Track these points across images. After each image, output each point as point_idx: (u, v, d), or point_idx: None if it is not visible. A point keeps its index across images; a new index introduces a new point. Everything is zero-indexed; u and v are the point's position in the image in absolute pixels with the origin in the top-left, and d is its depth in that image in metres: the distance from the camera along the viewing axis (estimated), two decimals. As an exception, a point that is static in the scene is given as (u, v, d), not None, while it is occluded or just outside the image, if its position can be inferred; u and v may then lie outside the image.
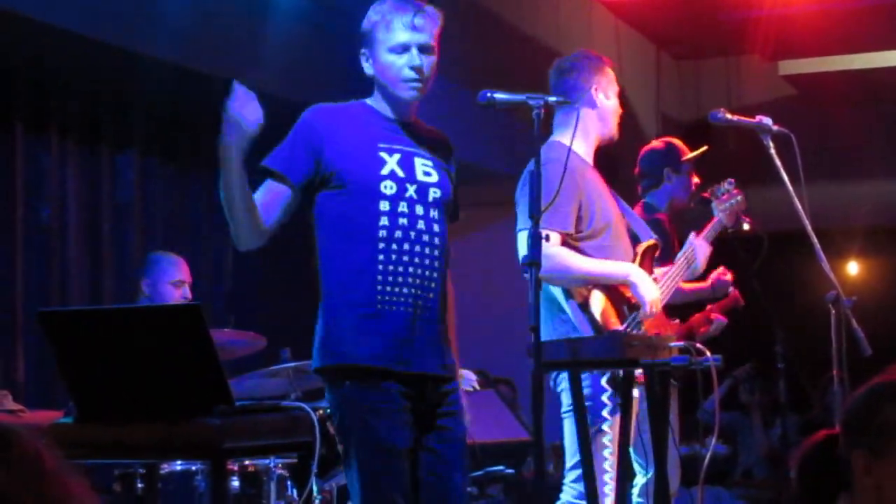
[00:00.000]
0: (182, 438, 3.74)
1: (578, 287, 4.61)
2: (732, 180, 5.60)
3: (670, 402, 4.73)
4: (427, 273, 3.96)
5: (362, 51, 4.09)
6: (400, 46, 4.00)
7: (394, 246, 3.93)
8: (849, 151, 12.06)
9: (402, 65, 4.00)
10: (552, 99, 4.05)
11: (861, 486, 2.58)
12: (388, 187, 3.96)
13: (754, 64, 11.86)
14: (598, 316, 4.52)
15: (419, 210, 3.99)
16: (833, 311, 4.77)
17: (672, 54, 12.38)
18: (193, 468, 5.28)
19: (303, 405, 3.92)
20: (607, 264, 4.65)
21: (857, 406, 2.64)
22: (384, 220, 3.93)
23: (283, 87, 7.47)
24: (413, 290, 3.93)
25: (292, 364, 5.69)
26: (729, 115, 4.96)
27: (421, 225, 3.98)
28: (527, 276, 3.80)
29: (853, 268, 13.12)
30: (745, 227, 6.31)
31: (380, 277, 3.91)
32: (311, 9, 7.61)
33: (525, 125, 4.02)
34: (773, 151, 4.85)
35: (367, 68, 4.08)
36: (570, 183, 4.50)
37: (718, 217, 5.63)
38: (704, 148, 6.16)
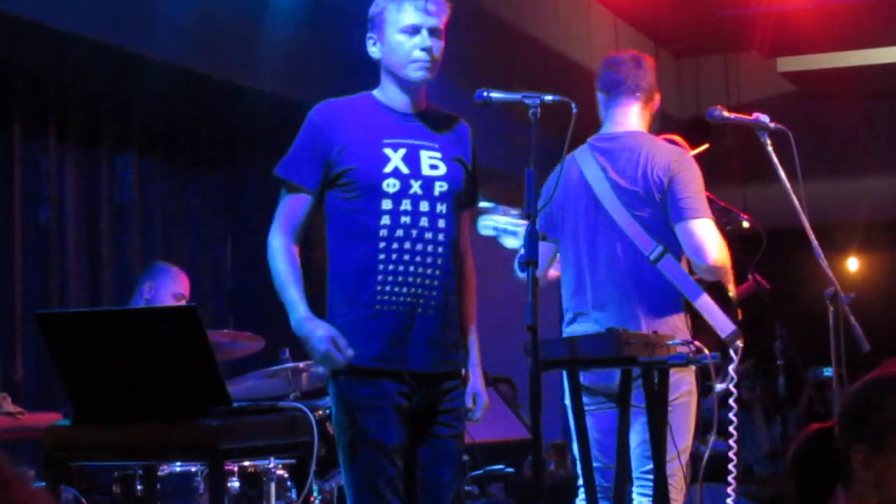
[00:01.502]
0: (180, 440, 3.75)
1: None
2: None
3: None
4: (429, 271, 3.97)
5: (369, 35, 4.09)
6: (411, 28, 4.01)
7: (394, 245, 3.94)
8: (848, 147, 12.07)
9: (411, 46, 4.01)
10: (548, 97, 4.05)
11: (860, 481, 2.58)
12: (390, 185, 3.96)
13: (753, 61, 11.86)
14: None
15: (424, 206, 3.99)
16: (831, 308, 4.76)
17: (671, 52, 12.37)
18: (193, 469, 5.28)
19: (301, 406, 3.93)
20: None
21: (855, 401, 2.63)
22: (385, 219, 3.95)
23: (282, 87, 7.48)
24: (413, 290, 3.95)
25: (291, 364, 5.69)
26: (726, 113, 4.95)
27: (424, 222, 3.98)
28: (522, 275, 3.81)
29: (853, 264, 13.13)
30: (745, 224, 6.30)
31: (380, 278, 3.93)
32: (310, 9, 7.61)
33: (526, 124, 4.02)
34: (770, 148, 4.84)
35: (375, 52, 4.08)
36: None
37: None
38: (706, 146, 6.15)
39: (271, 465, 5.35)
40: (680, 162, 4.83)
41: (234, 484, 5.35)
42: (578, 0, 10.21)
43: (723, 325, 4.62)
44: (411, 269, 3.95)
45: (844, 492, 2.62)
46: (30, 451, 6.21)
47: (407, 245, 3.96)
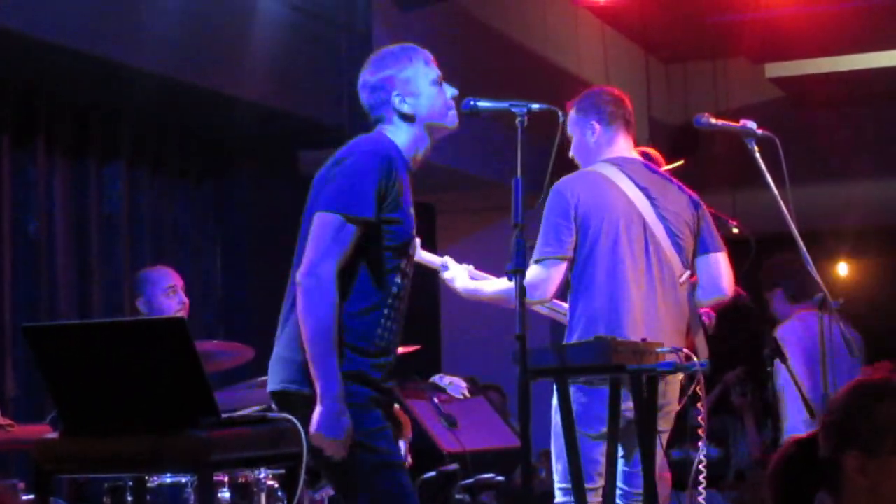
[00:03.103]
0: (169, 451, 3.74)
1: None
2: None
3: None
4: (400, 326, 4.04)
5: (395, 93, 4.05)
6: (438, 79, 4.09)
7: (396, 304, 3.98)
8: (836, 152, 12.09)
9: (445, 96, 4.08)
10: (535, 106, 4.07)
11: (853, 487, 2.58)
12: (412, 247, 4.05)
13: (741, 67, 11.89)
14: None
15: (410, 269, 4.07)
16: (819, 314, 4.78)
17: (659, 58, 12.40)
18: (183, 480, 5.27)
19: (290, 416, 3.91)
20: None
21: (844, 407, 2.64)
22: (398, 279, 3.99)
23: (270, 96, 7.48)
24: (397, 336, 4.01)
25: (281, 374, 5.68)
26: (713, 120, 4.96)
27: (408, 283, 4.05)
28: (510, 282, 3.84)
29: (843, 269, 13.15)
30: (734, 230, 6.32)
31: (379, 331, 3.94)
32: (297, 19, 7.62)
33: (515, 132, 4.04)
34: (757, 155, 4.85)
35: (407, 107, 4.05)
36: None
37: None
38: (681, 161, 6.17)
39: (261, 476, 5.35)
40: (698, 198, 5.08)
41: (225, 494, 5.34)
42: (566, 7, 10.23)
43: (703, 353, 4.77)
44: (397, 327, 4.00)
45: (834, 500, 2.62)
46: (20, 463, 6.20)
47: (400, 305, 4.00)
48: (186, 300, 6.30)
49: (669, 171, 6.13)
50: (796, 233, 4.78)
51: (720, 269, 4.98)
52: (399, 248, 3.97)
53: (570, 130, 5.06)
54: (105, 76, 6.73)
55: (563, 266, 4.78)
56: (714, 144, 10.20)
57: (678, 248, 4.87)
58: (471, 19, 9.38)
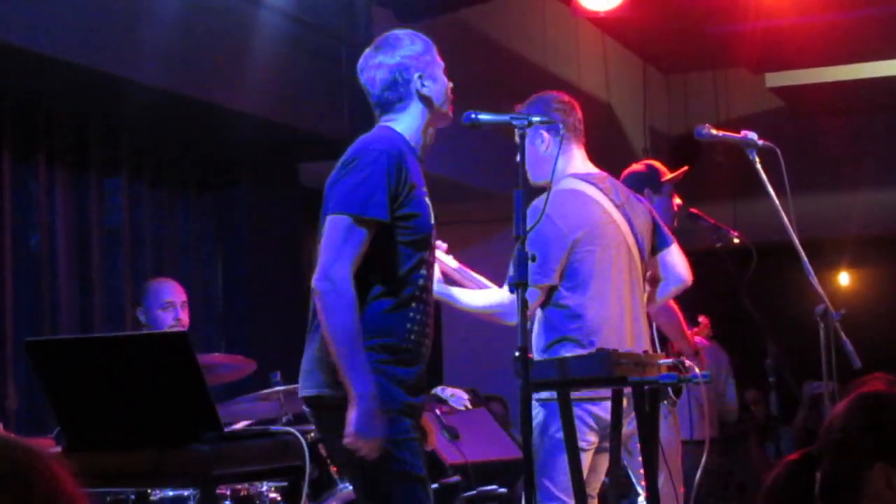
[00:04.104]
0: (171, 465, 3.74)
1: None
2: None
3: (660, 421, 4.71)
4: (431, 321, 4.03)
5: (417, 75, 4.07)
6: (444, 69, 4.14)
7: (424, 296, 3.97)
8: (837, 162, 12.10)
9: (449, 87, 4.14)
10: (536, 119, 4.07)
11: (881, 500, 2.52)
12: (433, 237, 4.05)
13: (741, 77, 11.90)
14: None
15: (432, 257, 4.08)
16: (822, 325, 4.77)
17: (659, 68, 12.41)
18: (185, 493, 5.26)
19: (292, 430, 3.92)
20: None
21: (861, 421, 2.58)
22: (424, 270, 3.97)
23: (270, 109, 7.48)
24: (428, 333, 4.00)
25: (283, 387, 5.68)
26: (714, 131, 4.97)
27: (432, 273, 4.07)
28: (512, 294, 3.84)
29: (844, 278, 13.15)
30: (735, 240, 6.32)
31: (408, 325, 3.92)
32: (298, 32, 7.62)
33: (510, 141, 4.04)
34: (758, 166, 4.86)
35: (427, 90, 4.07)
36: None
37: None
38: (685, 168, 6.18)
39: (264, 489, 5.34)
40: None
41: (227, 507, 5.34)
42: (567, 18, 10.23)
43: None
44: (428, 320, 3.99)
45: None
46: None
47: (428, 298, 4.00)
48: (185, 318, 6.27)
49: (675, 178, 6.15)
50: (797, 242, 4.78)
51: (677, 259, 5.03)
52: (421, 242, 3.95)
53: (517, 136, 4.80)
54: (106, 90, 6.73)
55: (544, 294, 4.74)
56: (715, 154, 10.20)
57: (644, 261, 4.94)
58: (472, 31, 9.39)
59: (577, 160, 4.93)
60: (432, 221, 4.02)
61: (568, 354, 4.51)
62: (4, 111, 6.70)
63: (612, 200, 4.86)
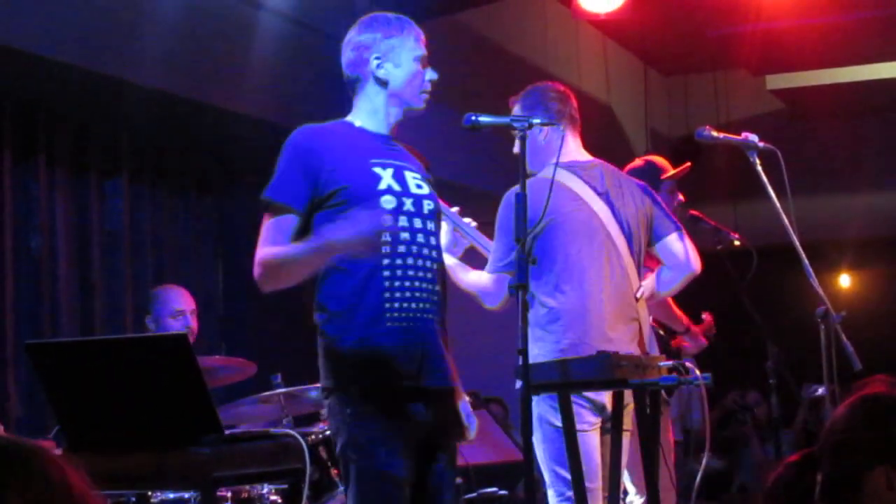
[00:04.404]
0: (172, 468, 3.74)
1: None
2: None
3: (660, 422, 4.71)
4: (429, 286, 3.94)
5: (374, 55, 4.07)
6: (423, 59, 4.10)
7: (398, 261, 3.90)
8: (837, 164, 12.11)
9: (423, 77, 4.09)
10: (536, 120, 4.06)
11: (882, 502, 2.53)
12: (387, 202, 3.94)
13: (742, 79, 11.90)
14: None
15: (417, 223, 3.97)
16: (823, 327, 4.77)
17: (660, 70, 12.41)
18: (186, 496, 5.26)
19: (293, 432, 3.92)
20: None
21: (857, 424, 2.60)
22: (386, 236, 3.89)
23: (269, 110, 7.49)
24: (419, 304, 3.90)
25: (283, 390, 5.68)
26: (714, 133, 4.96)
27: (421, 238, 3.96)
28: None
29: (845, 280, 13.15)
30: (735, 242, 6.32)
31: (387, 294, 3.86)
32: (297, 34, 7.62)
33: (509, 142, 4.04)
34: (759, 168, 4.85)
35: (382, 73, 4.07)
36: None
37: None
38: (686, 165, 6.16)
39: (264, 491, 5.34)
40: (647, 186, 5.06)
41: (228, 510, 5.34)
42: (567, 20, 10.23)
43: None
44: (416, 283, 3.91)
45: None
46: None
47: (410, 261, 3.91)
48: (195, 325, 6.25)
49: (676, 175, 6.13)
50: (798, 244, 4.77)
51: (682, 247, 4.91)
52: (363, 207, 3.87)
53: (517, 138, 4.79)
54: (105, 92, 6.74)
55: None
56: (715, 156, 10.20)
57: (633, 251, 4.83)
58: (471, 33, 9.39)
59: (570, 148, 4.90)
60: (381, 187, 3.95)
61: (539, 344, 4.57)
62: (5, 113, 6.71)
63: (593, 188, 4.82)
